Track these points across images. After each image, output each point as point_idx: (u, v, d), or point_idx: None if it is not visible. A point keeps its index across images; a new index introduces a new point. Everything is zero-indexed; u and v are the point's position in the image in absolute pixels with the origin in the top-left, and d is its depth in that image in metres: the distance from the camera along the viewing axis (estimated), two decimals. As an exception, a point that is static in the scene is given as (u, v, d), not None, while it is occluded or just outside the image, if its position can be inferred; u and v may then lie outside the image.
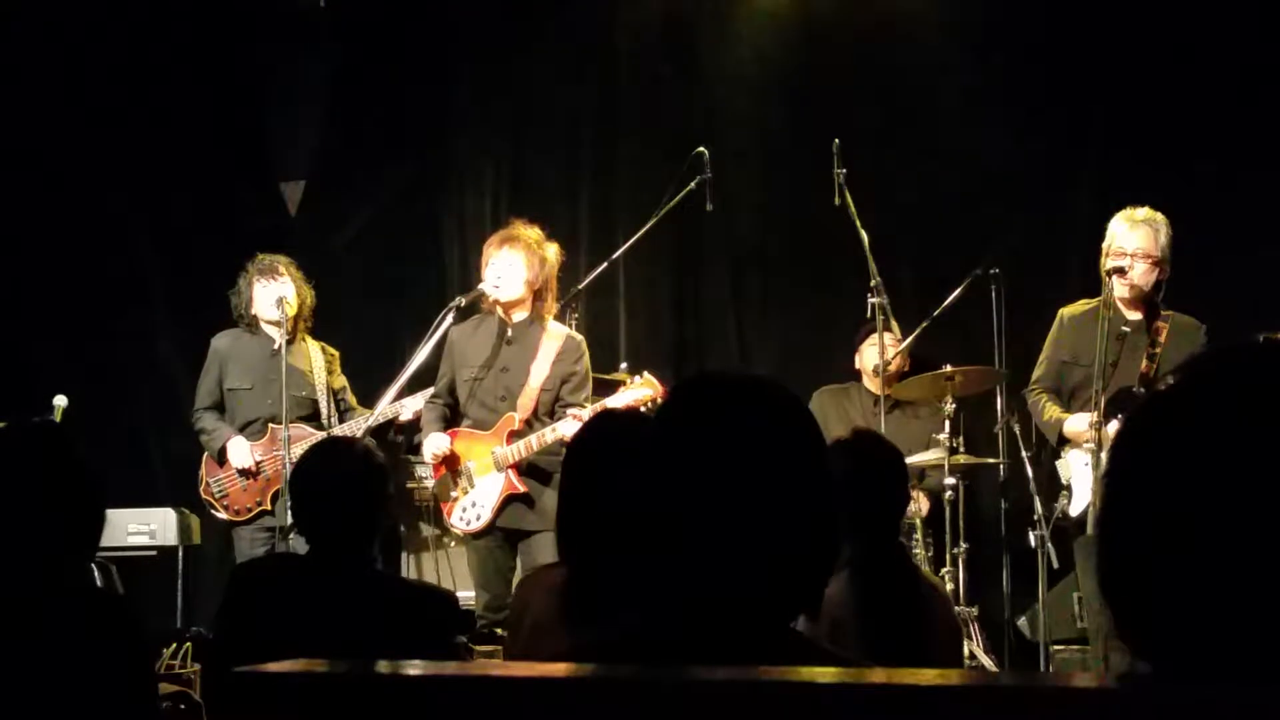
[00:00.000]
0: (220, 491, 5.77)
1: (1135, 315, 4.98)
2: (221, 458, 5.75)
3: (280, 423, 5.62)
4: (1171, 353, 4.87)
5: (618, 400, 5.14)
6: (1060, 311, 5.21)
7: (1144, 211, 4.97)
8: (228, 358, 5.85)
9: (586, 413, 5.02)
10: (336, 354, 6.03)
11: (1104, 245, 4.98)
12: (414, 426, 5.63)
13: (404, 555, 6.26)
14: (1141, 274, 4.91)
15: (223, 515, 5.79)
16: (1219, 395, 1.06)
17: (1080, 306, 5.15)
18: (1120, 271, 4.87)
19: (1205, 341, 4.96)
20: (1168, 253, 4.94)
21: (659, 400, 5.15)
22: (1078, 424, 4.87)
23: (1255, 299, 5.60)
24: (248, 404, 5.80)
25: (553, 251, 5.34)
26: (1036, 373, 5.22)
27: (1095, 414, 4.68)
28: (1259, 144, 6.03)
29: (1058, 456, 5.06)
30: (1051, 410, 5.08)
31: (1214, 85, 6.10)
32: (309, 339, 5.93)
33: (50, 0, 7.10)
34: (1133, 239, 4.91)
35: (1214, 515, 1.02)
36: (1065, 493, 4.93)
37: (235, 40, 7.33)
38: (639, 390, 5.16)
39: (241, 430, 5.77)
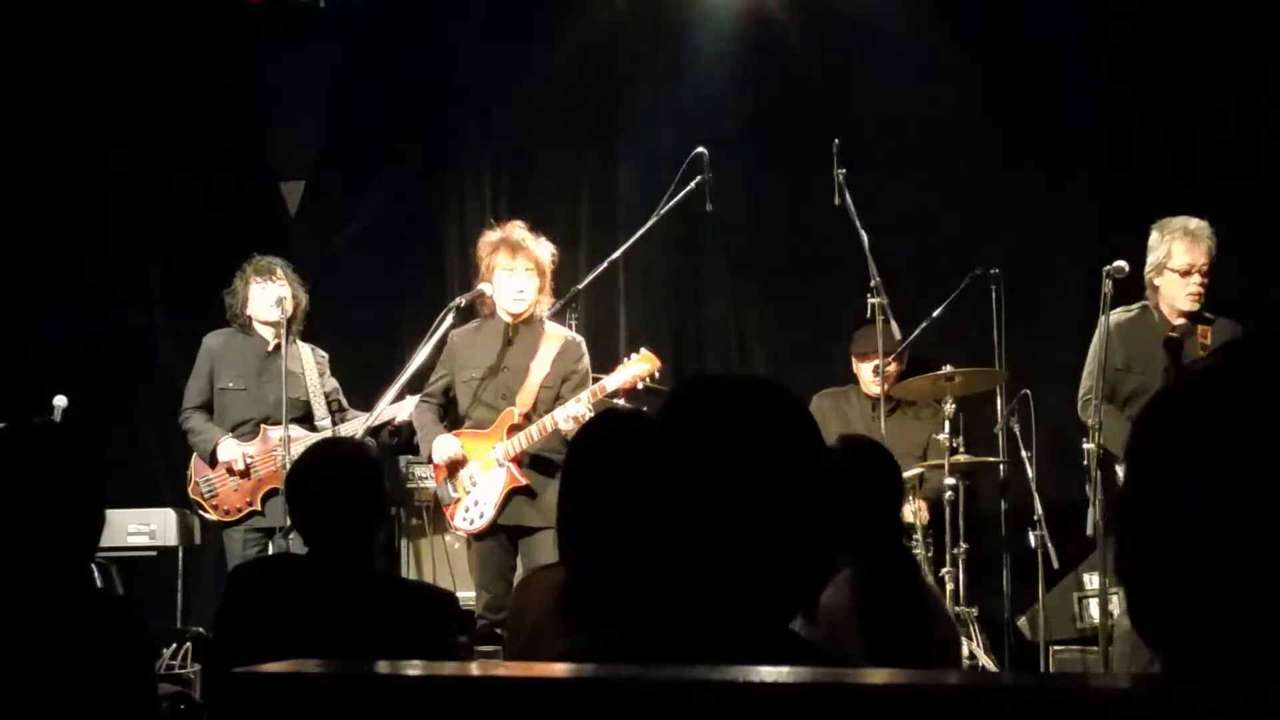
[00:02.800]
0: (210, 491, 5.75)
1: (1179, 320, 5.00)
2: (212, 459, 5.73)
3: (272, 423, 5.63)
4: None
5: (616, 377, 5.14)
6: (1103, 320, 5.19)
7: (1200, 224, 5.01)
8: (220, 358, 5.84)
9: (585, 394, 5.04)
10: (326, 356, 6.04)
11: (1159, 255, 5.00)
12: (410, 427, 5.62)
13: (404, 555, 6.26)
14: (1204, 285, 4.99)
15: (211, 515, 5.78)
16: (1242, 386, 1.06)
17: (1123, 314, 5.15)
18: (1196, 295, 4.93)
19: None
20: None
21: (656, 374, 5.16)
22: None
23: (1256, 297, 5.63)
24: (240, 404, 5.79)
25: (550, 249, 5.35)
26: (1087, 384, 5.16)
27: (1093, 413, 4.71)
28: (1258, 142, 6.03)
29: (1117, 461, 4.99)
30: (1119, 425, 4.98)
31: (1214, 83, 6.09)
32: (300, 341, 5.92)
33: (49, 1, 7.10)
34: (1199, 254, 4.97)
35: (1237, 505, 1.02)
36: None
37: (235, 40, 7.33)
38: (637, 365, 5.16)
39: (232, 430, 5.76)
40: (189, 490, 5.83)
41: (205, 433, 5.76)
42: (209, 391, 5.83)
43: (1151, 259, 5.02)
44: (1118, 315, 5.16)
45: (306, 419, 5.81)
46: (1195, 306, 4.99)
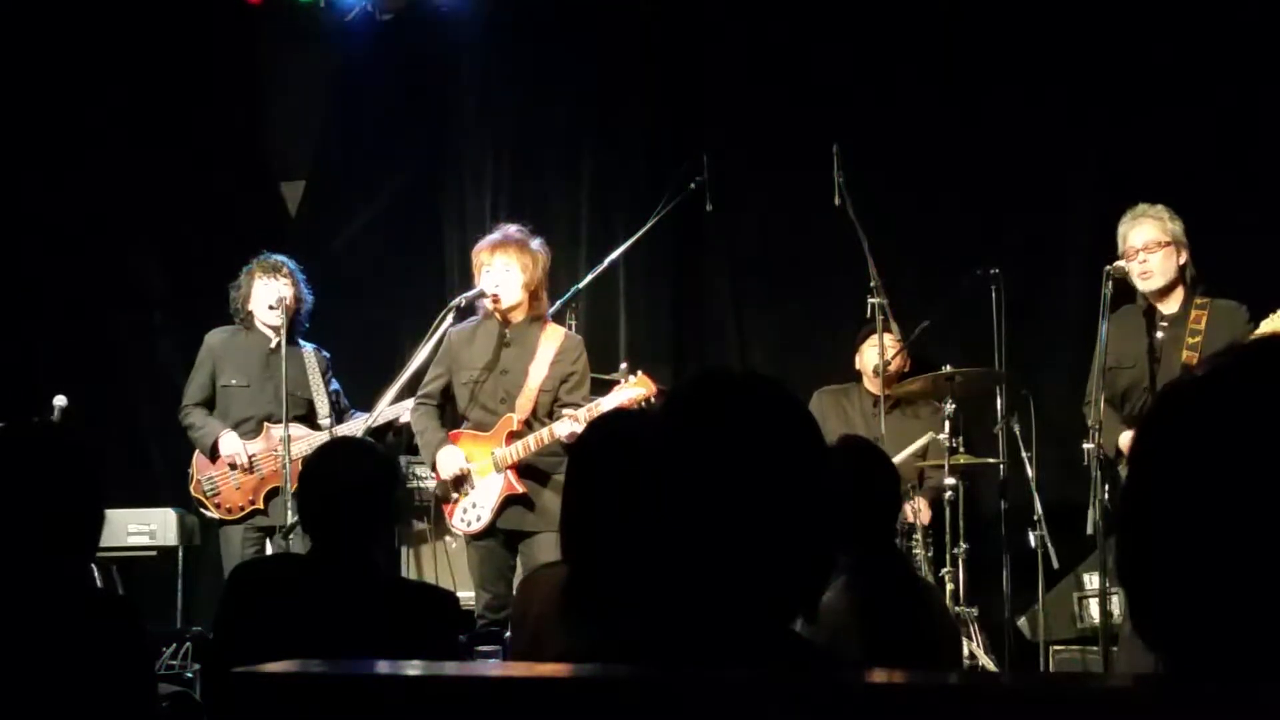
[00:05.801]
0: (212, 489, 5.73)
1: (1170, 308, 5.02)
2: (213, 454, 5.71)
3: (276, 421, 5.61)
4: (1213, 338, 4.91)
5: (611, 400, 5.14)
6: (1103, 322, 5.18)
7: (1142, 206, 5.06)
8: (222, 355, 5.82)
9: (582, 412, 5.03)
10: (329, 357, 6.03)
11: (1118, 247, 5.05)
12: (410, 428, 5.62)
13: (404, 555, 6.26)
14: (1159, 263, 4.99)
15: (213, 514, 5.75)
16: (1242, 389, 1.06)
17: (1119, 313, 5.16)
18: (1144, 274, 4.94)
19: (1248, 320, 5.00)
20: (1181, 236, 5.04)
21: (653, 399, 5.16)
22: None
23: (1262, 284, 5.64)
24: (242, 402, 5.77)
25: (542, 248, 5.33)
26: (1088, 385, 5.17)
27: (1093, 413, 4.71)
28: (1259, 140, 6.02)
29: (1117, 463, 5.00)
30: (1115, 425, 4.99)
31: (1215, 82, 6.09)
32: (303, 342, 5.91)
33: (49, 1, 7.09)
34: (1140, 234, 5.01)
35: (1237, 507, 1.02)
36: None
37: (235, 40, 7.33)
38: (633, 389, 5.16)
39: (235, 428, 5.74)
40: (190, 488, 5.81)
41: (205, 427, 5.74)
42: (210, 388, 5.81)
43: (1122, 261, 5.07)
44: (1115, 315, 5.18)
45: (309, 418, 5.81)
46: (1147, 285, 5.01)
